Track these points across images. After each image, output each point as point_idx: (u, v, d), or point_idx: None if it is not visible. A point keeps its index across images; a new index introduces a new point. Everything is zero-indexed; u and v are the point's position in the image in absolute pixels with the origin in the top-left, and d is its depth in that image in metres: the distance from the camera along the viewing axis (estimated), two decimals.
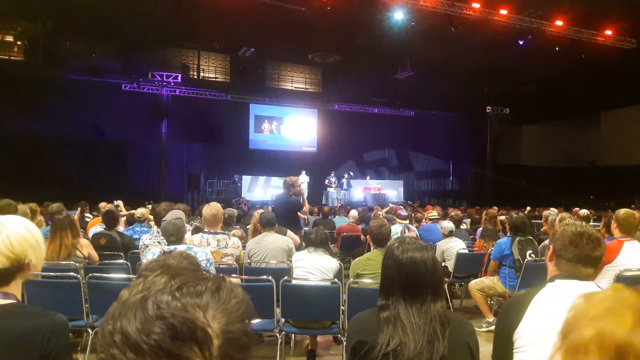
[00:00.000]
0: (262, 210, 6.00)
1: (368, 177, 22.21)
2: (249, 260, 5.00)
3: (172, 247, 3.59)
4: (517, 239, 5.49)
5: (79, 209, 8.41)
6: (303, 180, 19.53)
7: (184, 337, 0.62)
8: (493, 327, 5.35)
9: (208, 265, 3.53)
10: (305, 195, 19.03)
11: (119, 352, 0.62)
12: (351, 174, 21.23)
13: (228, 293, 0.70)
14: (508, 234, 5.79)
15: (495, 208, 12.60)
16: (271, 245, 5.01)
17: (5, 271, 1.63)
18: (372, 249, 4.36)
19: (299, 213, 6.84)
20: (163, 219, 4.00)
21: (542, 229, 7.56)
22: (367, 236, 4.56)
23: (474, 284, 5.77)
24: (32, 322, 1.60)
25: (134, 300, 0.66)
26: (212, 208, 4.71)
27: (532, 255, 5.38)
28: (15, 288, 1.67)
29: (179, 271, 0.71)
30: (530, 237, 5.65)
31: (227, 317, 0.67)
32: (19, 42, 17.52)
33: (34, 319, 1.62)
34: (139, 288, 0.68)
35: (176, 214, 3.88)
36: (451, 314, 1.94)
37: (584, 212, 7.93)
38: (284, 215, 6.27)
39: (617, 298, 0.81)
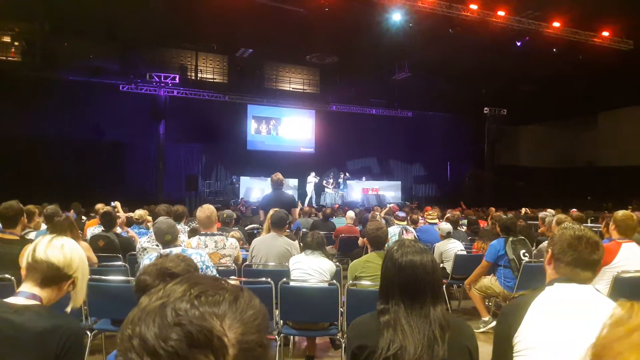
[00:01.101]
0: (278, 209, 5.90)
1: (364, 178, 22.22)
2: (249, 262, 5.00)
3: (167, 250, 3.58)
4: (510, 239, 5.52)
5: (71, 211, 8.38)
6: (311, 181, 19.57)
7: (201, 344, 0.63)
8: (490, 327, 5.41)
9: (204, 269, 3.51)
10: (313, 196, 19.16)
11: (136, 356, 0.63)
12: (347, 175, 21.22)
13: (245, 304, 0.71)
14: (500, 235, 5.81)
15: (492, 209, 12.61)
16: (274, 250, 5.00)
17: (55, 270, 1.82)
18: (369, 251, 4.36)
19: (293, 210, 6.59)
20: (154, 223, 4.00)
21: (539, 230, 7.57)
22: (365, 239, 4.56)
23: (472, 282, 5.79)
24: (53, 322, 1.72)
25: (154, 306, 0.67)
26: (205, 210, 4.70)
27: (527, 255, 5.41)
28: (46, 294, 1.81)
29: (197, 280, 0.73)
30: (522, 237, 5.68)
31: (243, 328, 0.68)
32: (16, 43, 17.49)
33: (54, 319, 1.74)
34: (159, 295, 0.70)
35: (161, 226, 3.87)
36: (451, 317, 1.94)
37: (576, 213, 7.94)
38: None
39: None
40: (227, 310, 0.68)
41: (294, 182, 20.01)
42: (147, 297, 0.70)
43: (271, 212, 5.44)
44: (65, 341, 1.69)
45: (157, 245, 4.55)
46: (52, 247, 1.84)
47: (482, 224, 9.51)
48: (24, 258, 1.86)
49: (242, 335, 0.67)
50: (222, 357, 0.64)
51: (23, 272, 1.86)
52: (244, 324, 0.68)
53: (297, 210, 6.80)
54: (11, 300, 1.77)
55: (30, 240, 4.25)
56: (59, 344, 1.68)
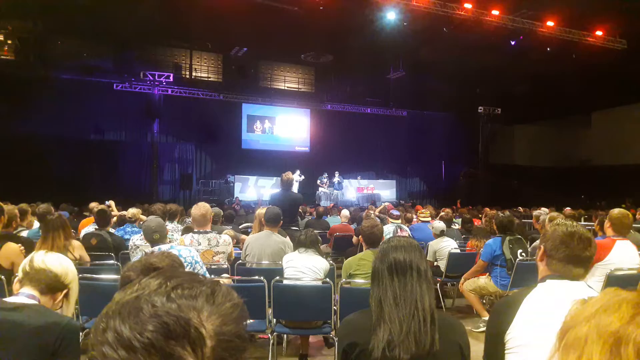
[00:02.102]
0: (266, 208, 5.92)
1: (359, 177, 22.20)
2: (243, 260, 4.98)
3: (155, 247, 3.56)
4: (507, 238, 5.48)
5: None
6: (297, 179, 19.47)
7: (177, 336, 0.62)
8: None
9: (193, 264, 3.49)
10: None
11: (110, 349, 0.61)
12: (340, 175, 21.06)
13: (223, 297, 0.70)
14: (496, 233, 5.78)
15: (487, 209, 12.63)
16: (268, 249, 4.98)
17: (53, 277, 1.95)
18: (364, 249, 4.35)
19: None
20: (144, 222, 3.99)
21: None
22: (360, 237, 4.54)
23: (467, 284, 5.77)
24: (51, 319, 1.79)
25: (128, 299, 0.66)
26: (200, 208, 4.68)
27: (523, 254, 5.38)
28: (45, 300, 1.92)
29: (174, 273, 0.71)
30: (519, 236, 5.66)
31: (221, 319, 0.66)
32: (9, 41, 17.39)
33: (52, 317, 1.81)
34: (134, 289, 0.68)
35: (152, 225, 3.85)
36: (443, 314, 1.94)
37: (569, 212, 7.96)
38: (287, 213, 6.19)
39: (614, 295, 0.83)
40: (204, 302, 0.67)
41: None
42: (122, 292, 0.69)
43: (260, 210, 5.46)
44: (63, 338, 1.73)
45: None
46: (48, 258, 1.99)
47: (477, 222, 9.51)
48: (20, 269, 1.97)
49: (219, 326, 0.66)
50: (200, 349, 0.63)
51: (16, 285, 1.96)
52: (222, 316, 0.67)
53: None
54: (12, 299, 1.87)
55: (14, 236, 4.22)
56: (57, 340, 1.72)
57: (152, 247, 3.69)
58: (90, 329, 0.67)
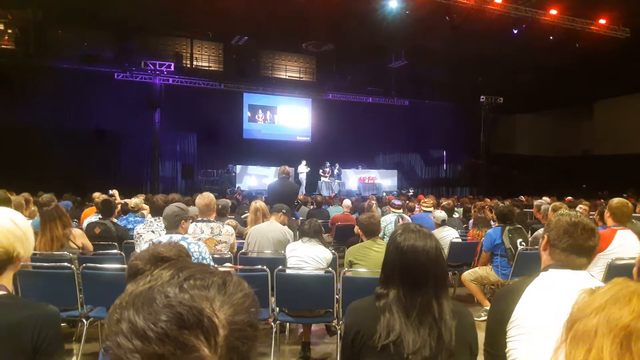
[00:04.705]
0: (259, 201, 6.00)
1: (360, 167, 22.19)
2: (245, 250, 5.01)
3: (167, 236, 3.57)
4: (507, 228, 5.54)
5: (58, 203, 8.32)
6: (302, 170, 19.44)
7: (191, 325, 0.63)
8: None
9: (200, 259, 3.48)
10: (304, 185, 19.00)
11: (125, 339, 0.62)
12: (339, 166, 21.00)
13: (234, 287, 0.71)
14: (496, 223, 5.82)
15: (487, 200, 12.63)
16: (270, 234, 5.04)
17: None
18: (364, 240, 4.38)
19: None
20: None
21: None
22: (359, 230, 4.57)
23: (468, 274, 5.80)
24: (23, 313, 1.58)
25: (141, 290, 0.67)
26: (204, 198, 4.74)
27: (523, 243, 5.42)
28: (6, 280, 1.66)
29: (185, 265, 0.73)
30: (519, 226, 5.70)
31: (233, 309, 0.68)
32: (9, 30, 17.33)
33: (24, 310, 1.60)
34: (146, 280, 0.69)
35: (179, 204, 3.84)
36: (454, 306, 1.87)
37: (571, 202, 7.98)
38: (284, 202, 6.25)
39: (623, 287, 0.83)
40: (216, 293, 0.68)
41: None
42: (134, 283, 0.70)
43: (255, 203, 5.58)
44: (40, 331, 1.56)
45: (153, 232, 4.56)
46: None
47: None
48: None
49: (232, 316, 0.67)
50: (213, 338, 0.64)
51: None
52: (234, 305, 0.68)
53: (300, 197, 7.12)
54: None
55: None
56: (34, 335, 1.55)
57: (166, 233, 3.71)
58: (105, 318, 0.68)
